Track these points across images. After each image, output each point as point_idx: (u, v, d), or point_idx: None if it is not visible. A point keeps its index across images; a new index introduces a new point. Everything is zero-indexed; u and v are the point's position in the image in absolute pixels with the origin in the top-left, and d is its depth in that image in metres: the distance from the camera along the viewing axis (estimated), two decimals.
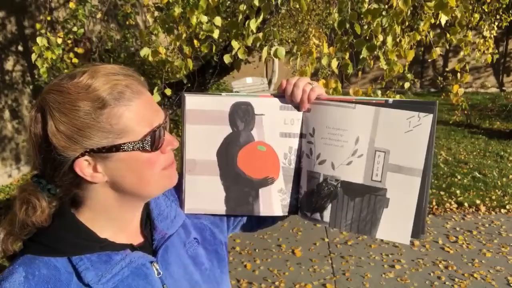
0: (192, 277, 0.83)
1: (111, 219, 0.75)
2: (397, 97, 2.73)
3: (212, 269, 0.88)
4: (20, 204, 0.70)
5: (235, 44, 2.14)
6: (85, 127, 0.65)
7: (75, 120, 0.64)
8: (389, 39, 2.20)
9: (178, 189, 0.89)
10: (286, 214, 0.93)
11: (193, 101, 0.87)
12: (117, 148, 0.67)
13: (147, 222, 0.82)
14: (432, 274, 3.37)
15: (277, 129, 0.89)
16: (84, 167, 0.67)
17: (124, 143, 0.67)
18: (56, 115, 0.65)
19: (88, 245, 0.71)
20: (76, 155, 0.66)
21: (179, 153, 0.90)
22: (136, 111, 0.67)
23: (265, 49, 2.14)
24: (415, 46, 2.66)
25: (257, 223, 1.03)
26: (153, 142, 0.69)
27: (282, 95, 0.88)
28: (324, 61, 2.34)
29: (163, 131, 0.72)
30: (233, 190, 0.90)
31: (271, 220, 1.01)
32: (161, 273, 0.77)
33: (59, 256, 0.69)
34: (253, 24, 2.05)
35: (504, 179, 5.37)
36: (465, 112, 7.64)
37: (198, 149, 0.89)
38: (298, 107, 0.88)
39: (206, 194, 0.90)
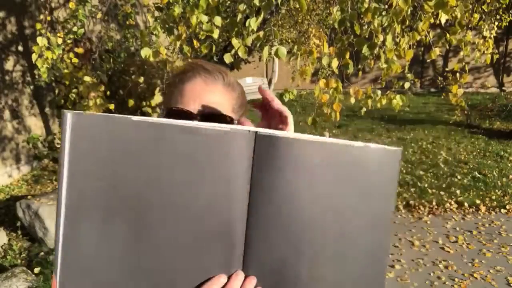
0: None
1: None
2: (397, 97, 2.74)
3: None
4: None
5: (235, 42, 2.13)
6: None
7: None
8: (389, 38, 2.20)
9: None
10: None
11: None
12: None
13: None
14: (432, 274, 3.37)
15: None
16: None
17: None
18: None
19: None
20: None
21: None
22: None
23: (266, 48, 2.14)
24: (415, 46, 2.66)
25: None
26: None
27: None
28: (324, 61, 2.34)
29: None
30: None
31: None
32: None
33: None
34: (253, 23, 2.05)
35: (504, 179, 5.36)
36: (465, 112, 7.64)
37: None
38: None
39: None
